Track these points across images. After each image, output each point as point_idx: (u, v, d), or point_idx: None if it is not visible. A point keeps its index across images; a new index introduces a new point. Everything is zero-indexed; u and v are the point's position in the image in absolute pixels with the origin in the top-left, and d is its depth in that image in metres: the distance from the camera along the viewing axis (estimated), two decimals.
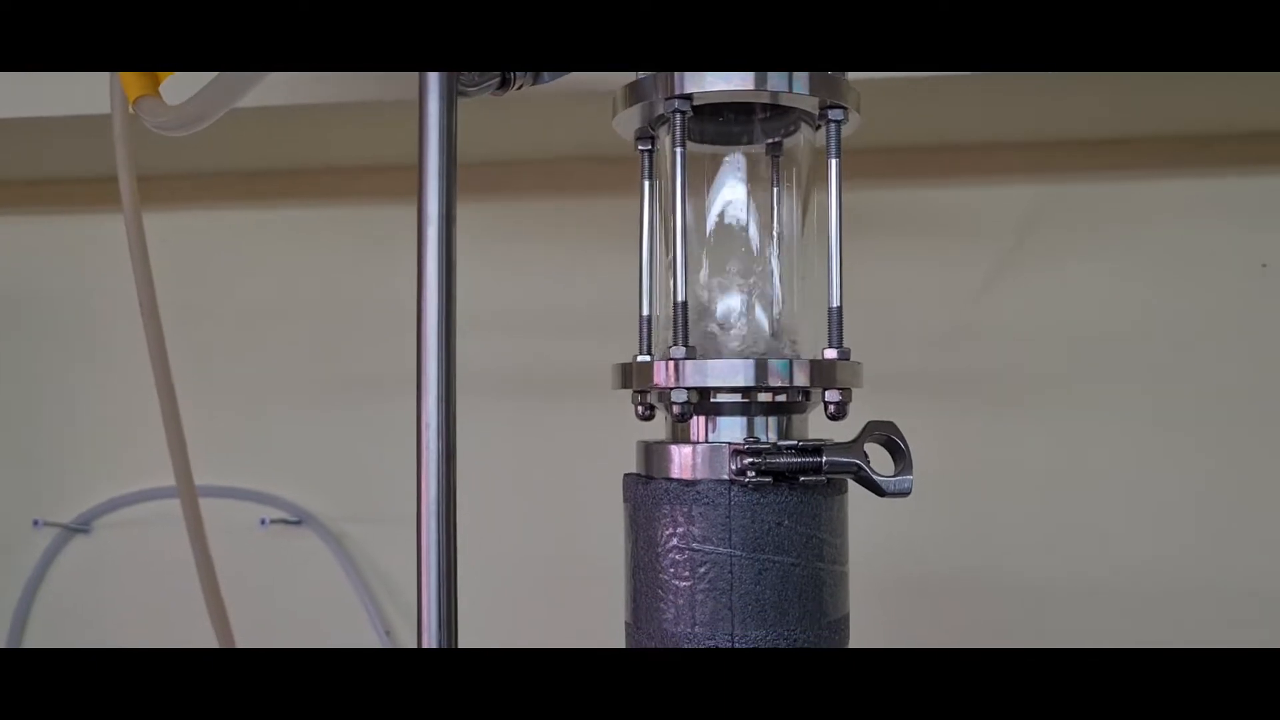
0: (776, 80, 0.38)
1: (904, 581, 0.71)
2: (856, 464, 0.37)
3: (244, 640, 0.63)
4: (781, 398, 0.39)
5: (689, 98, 0.38)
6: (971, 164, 0.73)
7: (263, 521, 0.80)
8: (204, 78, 0.45)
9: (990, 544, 0.72)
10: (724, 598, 0.37)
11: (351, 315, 0.80)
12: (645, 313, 0.43)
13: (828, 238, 0.39)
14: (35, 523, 0.83)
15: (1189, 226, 0.70)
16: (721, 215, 0.43)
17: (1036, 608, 0.71)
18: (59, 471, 0.84)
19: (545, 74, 0.39)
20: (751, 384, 0.38)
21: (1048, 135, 0.71)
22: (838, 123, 0.39)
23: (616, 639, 0.41)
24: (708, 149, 0.43)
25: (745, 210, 0.43)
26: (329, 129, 0.70)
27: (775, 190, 0.44)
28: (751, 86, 0.38)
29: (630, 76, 0.41)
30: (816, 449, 0.37)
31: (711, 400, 0.39)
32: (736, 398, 0.39)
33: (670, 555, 0.38)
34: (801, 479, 0.37)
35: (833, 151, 0.39)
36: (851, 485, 0.39)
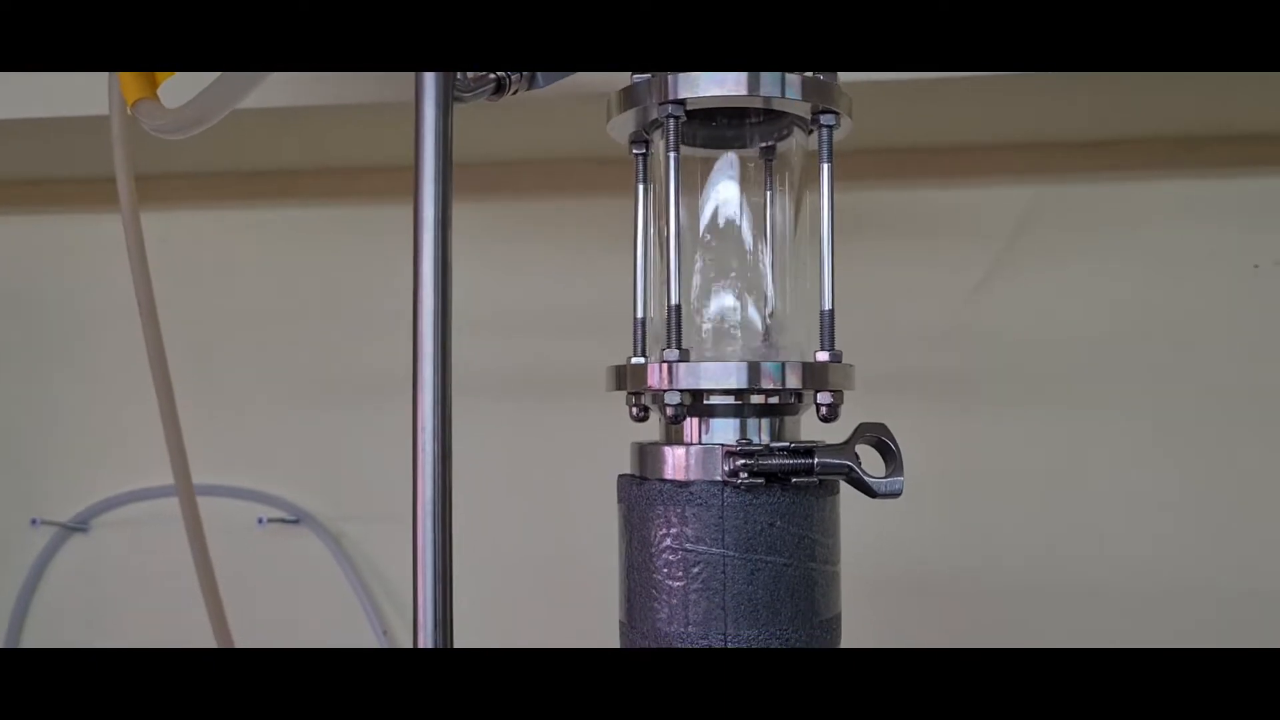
0: (769, 85, 0.39)
1: (897, 581, 0.72)
2: (848, 465, 0.37)
3: (241, 639, 0.63)
4: (774, 400, 0.39)
5: (682, 103, 0.39)
6: (967, 165, 0.73)
7: (260, 521, 0.80)
8: (202, 81, 0.45)
9: (986, 544, 0.72)
10: (717, 598, 0.38)
11: (349, 315, 0.80)
12: (639, 315, 0.43)
13: (820, 241, 0.39)
14: (33, 521, 0.83)
15: (1183, 227, 0.71)
16: (715, 218, 0.43)
17: (1033, 608, 0.71)
18: (57, 470, 0.84)
19: (540, 79, 0.39)
20: (744, 386, 0.38)
21: (1043, 136, 0.71)
22: (830, 127, 0.40)
23: (611, 638, 0.42)
24: (701, 152, 0.43)
25: (739, 213, 0.43)
26: (327, 130, 0.70)
27: (769, 193, 0.44)
28: (744, 91, 0.38)
29: (626, 78, 0.41)
30: (809, 450, 0.37)
31: (705, 402, 0.39)
32: (729, 400, 0.39)
33: (664, 555, 0.38)
34: (794, 480, 0.37)
35: (825, 156, 0.40)
36: (844, 486, 0.39)
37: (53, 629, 0.84)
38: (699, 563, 0.38)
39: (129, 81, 0.49)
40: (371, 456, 0.78)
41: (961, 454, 0.72)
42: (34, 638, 0.84)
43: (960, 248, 0.73)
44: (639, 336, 0.43)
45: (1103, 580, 0.70)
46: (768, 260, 0.43)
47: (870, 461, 0.38)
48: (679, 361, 0.38)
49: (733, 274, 0.43)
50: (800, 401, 0.40)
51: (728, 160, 0.43)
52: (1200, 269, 0.70)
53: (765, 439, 0.39)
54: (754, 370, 0.38)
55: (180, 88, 0.48)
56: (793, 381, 0.38)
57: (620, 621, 0.41)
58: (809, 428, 0.41)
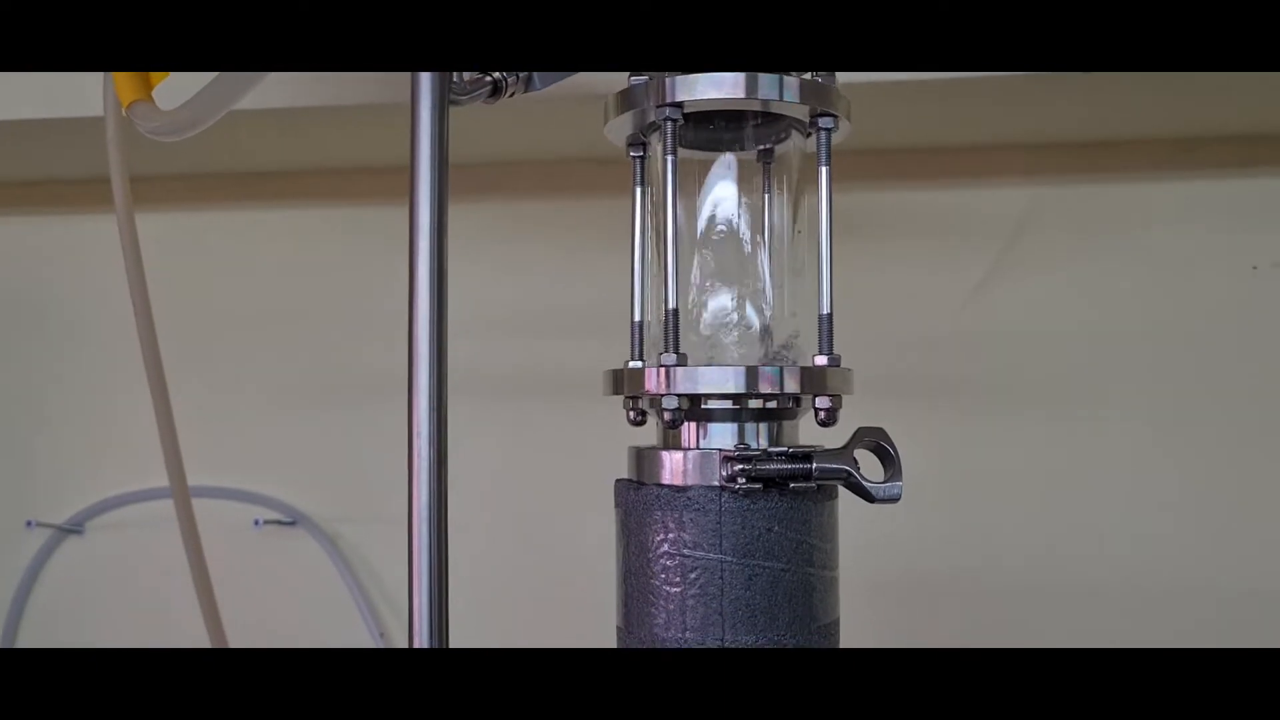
0: (767, 88, 0.38)
1: (896, 583, 0.71)
2: (846, 470, 0.37)
3: (237, 641, 0.63)
4: (772, 404, 0.39)
5: (680, 105, 0.39)
6: (966, 166, 0.73)
7: (256, 522, 0.80)
8: (196, 84, 0.45)
9: (986, 545, 0.72)
10: (714, 603, 0.37)
11: (346, 316, 0.80)
12: (637, 318, 0.43)
13: (818, 244, 0.39)
14: (28, 523, 0.83)
15: (1182, 229, 0.71)
16: (713, 221, 0.43)
17: (1032, 609, 0.71)
18: (52, 472, 0.84)
19: (537, 81, 0.39)
20: (742, 391, 0.38)
21: (1042, 138, 0.71)
22: (828, 131, 0.39)
23: (608, 643, 0.41)
24: (699, 155, 0.43)
25: (737, 216, 0.43)
26: (323, 130, 0.70)
27: (767, 196, 0.44)
28: (742, 95, 0.38)
29: (624, 80, 0.41)
30: (806, 455, 0.37)
31: (702, 406, 0.39)
32: (727, 404, 0.39)
33: (661, 561, 0.38)
34: (792, 485, 0.37)
35: (823, 159, 0.39)
36: (842, 490, 0.39)
37: (48, 631, 0.83)
38: (696, 568, 0.38)
39: (123, 84, 0.48)
40: (368, 458, 0.78)
41: (960, 456, 0.72)
42: (29, 640, 0.84)
43: (959, 249, 0.72)
44: (636, 340, 0.43)
45: (1102, 581, 0.70)
46: (766, 263, 0.43)
47: (869, 466, 0.38)
48: (676, 366, 0.38)
49: (731, 277, 0.43)
50: (798, 406, 0.40)
51: (725, 163, 0.43)
52: (1199, 270, 0.70)
53: (763, 443, 0.39)
54: (752, 375, 0.38)
55: (175, 90, 0.48)
56: (791, 386, 0.38)
57: (618, 627, 0.41)
58: (807, 432, 0.41)
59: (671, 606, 0.38)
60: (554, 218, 0.78)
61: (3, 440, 0.84)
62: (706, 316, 0.43)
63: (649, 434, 0.42)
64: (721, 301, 0.43)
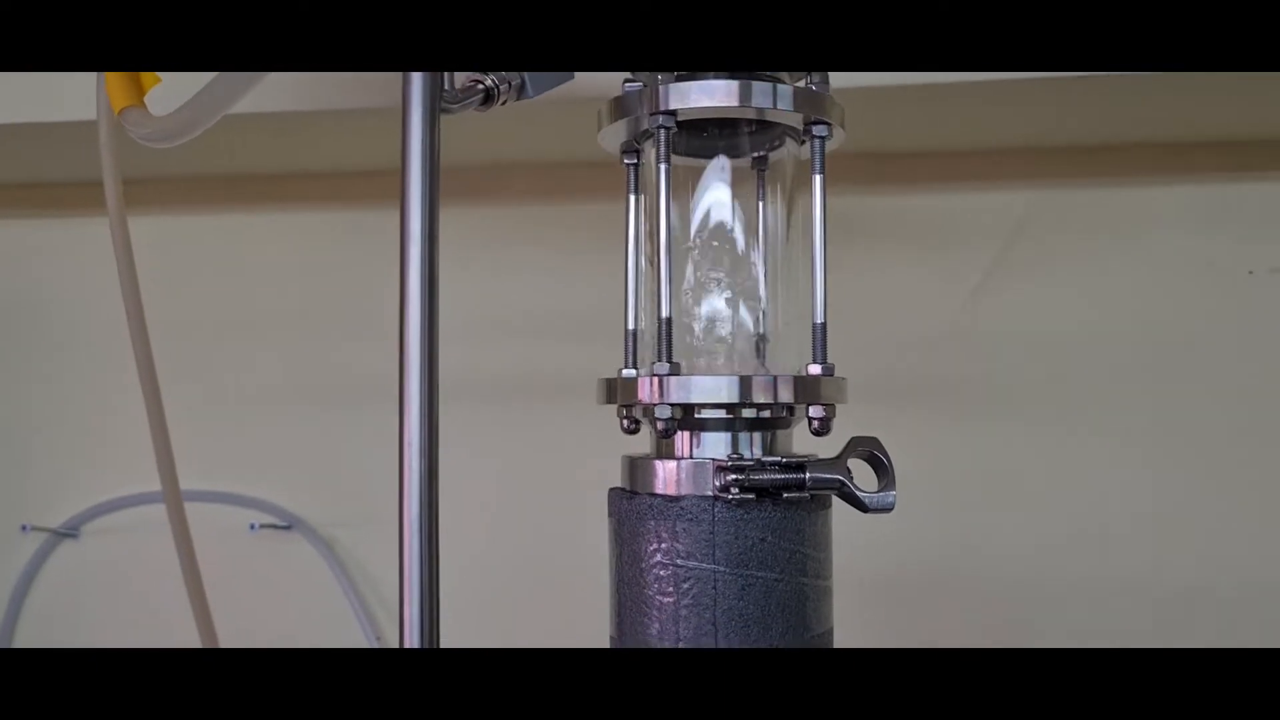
0: (760, 96, 0.38)
1: (893, 586, 0.71)
2: (839, 480, 0.37)
3: (233, 645, 0.63)
4: (765, 414, 0.39)
5: (673, 113, 0.38)
6: (962, 170, 0.73)
7: (252, 526, 0.79)
8: (189, 90, 0.45)
9: (983, 548, 0.72)
10: (707, 613, 0.37)
11: (342, 319, 0.80)
12: (630, 326, 0.43)
13: (812, 253, 0.39)
14: (23, 528, 0.83)
15: (1178, 233, 0.70)
16: (707, 228, 0.43)
17: (1031, 611, 0.71)
18: (47, 476, 0.84)
19: (529, 88, 0.39)
20: (735, 400, 0.38)
21: (1038, 142, 0.71)
22: (822, 138, 0.39)
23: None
24: (693, 162, 0.43)
25: (731, 223, 0.43)
26: (317, 133, 0.70)
27: (761, 204, 0.44)
28: (736, 102, 0.38)
29: (617, 87, 0.41)
30: (800, 465, 0.37)
31: (696, 416, 0.39)
32: (721, 413, 0.39)
33: (654, 571, 0.38)
34: (785, 495, 0.37)
35: (817, 167, 0.39)
36: (836, 500, 0.39)
37: (44, 635, 0.83)
38: (689, 578, 0.37)
39: (116, 89, 0.48)
40: (364, 462, 0.78)
41: (958, 458, 0.72)
42: (24, 644, 0.83)
43: (957, 253, 0.72)
44: (630, 348, 0.42)
45: (1100, 582, 0.70)
46: (760, 271, 0.43)
47: (862, 475, 0.38)
48: (670, 375, 0.38)
49: (725, 285, 0.43)
50: (792, 415, 0.40)
51: (719, 170, 0.43)
52: (1195, 275, 0.70)
53: (757, 453, 0.39)
54: (745, 384, 0.38)
55: (169, 95, 0.48)
56: (785, 395, 0.38)
57: (611, 636, 0.41)
58: (801, 440, 0.41)
59: (665, 616, 0.38)
60: (549, 220, 0.77)
61: None
62: (700, 324, 0.42)
63: (643, 442, 0.42)
64: (715, 309, 0.43)
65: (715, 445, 0.39)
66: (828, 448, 0.39)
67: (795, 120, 0.40)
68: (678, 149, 0.42)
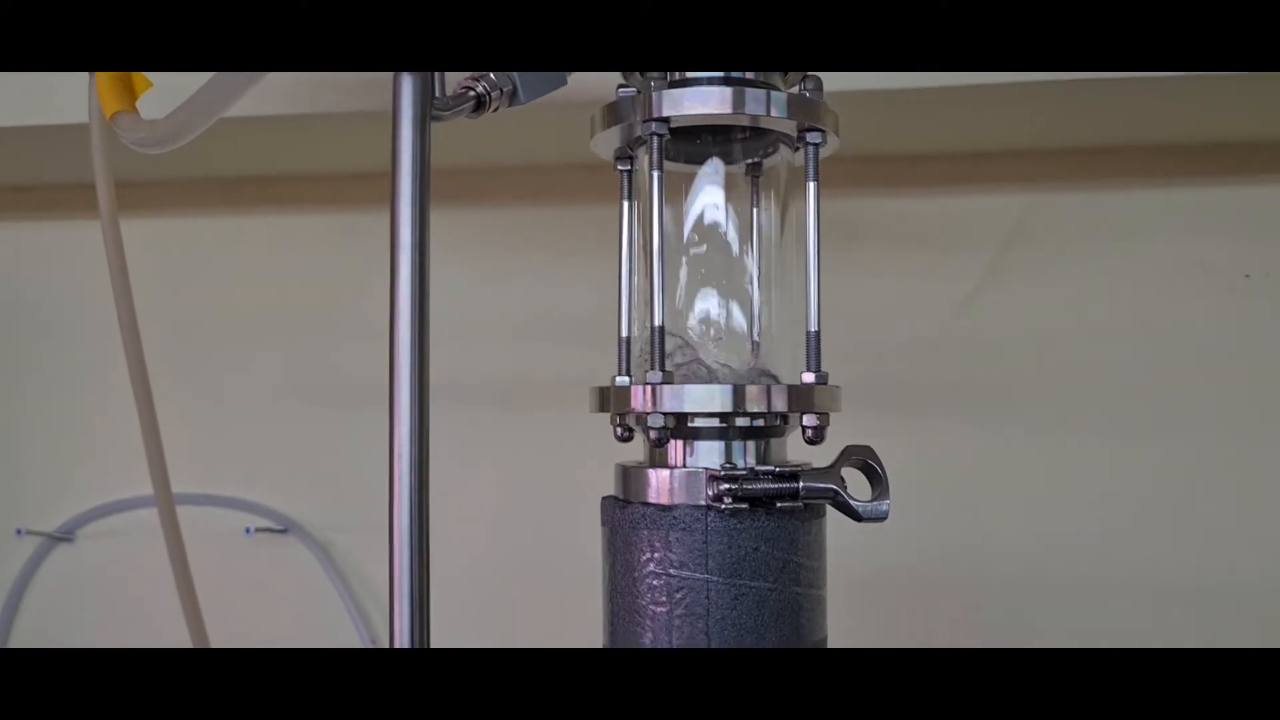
0: (754, 103, 0.38)
1: (890, 590, 0.71)
2: (833, 489, 0.37)
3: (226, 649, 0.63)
4: (759, 422, 0.39)
5: (666, 120, 0.38)
6: (958, 174, 0.73)
7: (248, 530, 0.79)
8: (180, 95, 0.45)
9: (982, 550, 0.72)
10: (700, 623, 0.37)
11: (338, 322, 0.79)
12: (624, 334, 0.42)
13: (805, 261, 0.39)
14: (18, 531, 0.82)
15: (1175, 237, 0.70)
16: (700, 235, 0.43)
17: (1030, 613, 0.71)
18: (42, 480, 0.83)
19: (521, 95, 0.39)
20: (729, 409, 0.38)
21: (1034, 145, 0.71)
22: (816, 145, 0.39)
23: None
24: (687, 169, 0.43)
25: (725, 230, 0.43)
26: (312, 136, 0.70)
27: (755, 210, 0.44)
28: (729, 110, 0.38)
29: (610, 93, 0.41)
30: (793, 474, 0.37)
31: (689, 425, 0.39)
32: (714, 422, 0.39)
33: (647, 580, 0.38)
34: (778, 504, 0.37)
35: (810, 174, 0.39)
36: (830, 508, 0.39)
37: (39, 639, 0.83)
38: (682, 588, 0.37)
39: (107, 94, 0.48)
40: (360, 465, 0.77)
41: (953, 462, 0.71)
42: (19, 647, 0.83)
43: (953, 256, 0.72)
44: (623, 356, 0.42)
45: (1100, 584, 0.70)
46: (754, 278, 0.43)
47: (856, 485, 0.38)
48: (662, 384, 0.38)
49: (719, 292, 0.42)
50: (786, 423, 0.40)
51: (712, 176, 0.43)
52: (1192, 278, 0.70)
53: (750, 461, 0.39)
54: (739, 393, 0.38)
55: (162, 100, 0.48)
56: (778, 404, 0.38)
57: (604, 645, 0.40)
58: (796, 448, 0.41)
59: (657, 626, 0.38)
60: (546, 223, 0.77)
61: None
62: (694, 331, 0.42)
63: (636, 450, 0.42)
64: (709, 316, 0.42)
65: (709, 454, 0.39)
66: (822, 455, 0.39)
67: (789, 127, 0.40)
68: (671, 155, 0.42)
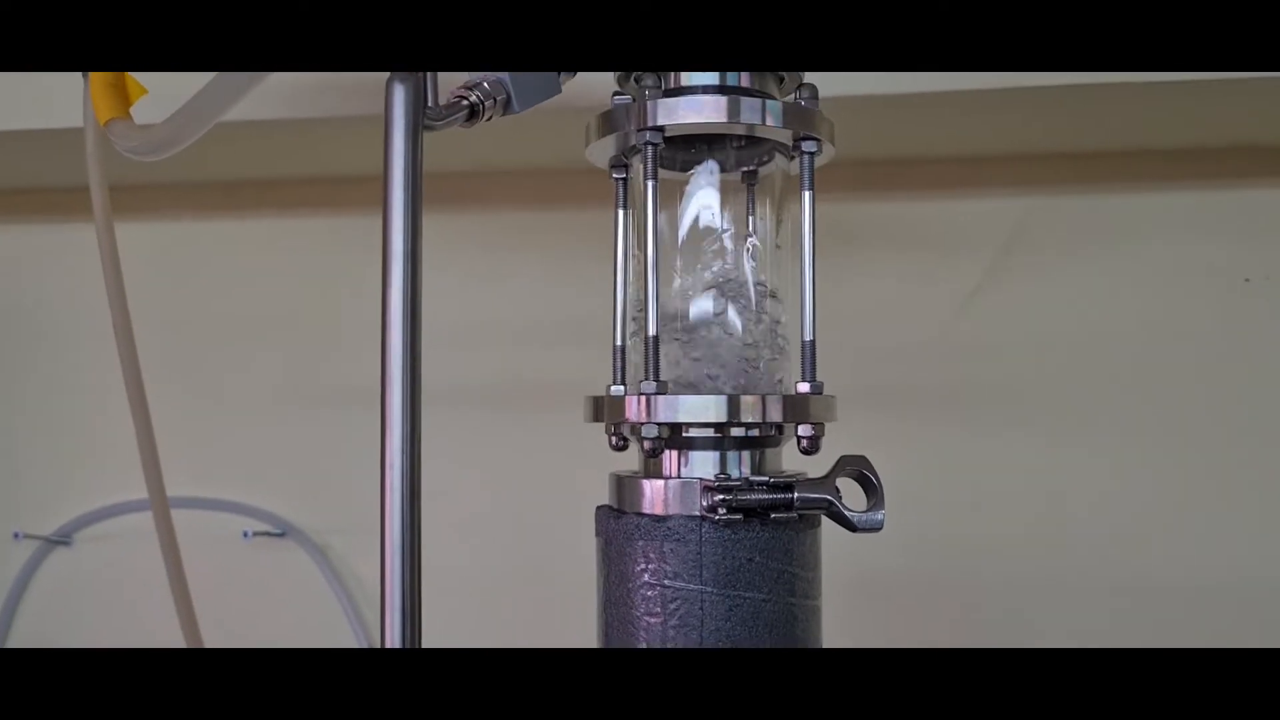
0: (749, 112, 0.38)
1: (890, 590, 0.71)
2: (828, 500, 0.37)
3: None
4: (754, 432, 0.39)
5: (661, 129, 0.38)
6: (958, 177, 0.72)
7: (245, 534, 0.79)
8: (174, 103, 0.45)
9: (983, 550, 0.72)
10: (694, 634, 0.37)
11: (335, 325, 0.79)
12: (619, 343, 0.42)
13: (800, 270, 0.39)
14: (15, 535, 0.82)
15: (1175, 240, 0.70)
16: (696, 242, 0.43)
17: (1029, 613, 0.71)
18: (39, 483, 0.83)
19: (515, 103, 0.38)
20: (723, 419, 0.38)
21: (1034, 149, 0.71)
22: (811, 154, 0.39)
23: None
24: (682, 176, 0.43)
25: (720, 238, 0.43)
26: (310, 140, 0.70)
27: (751, 218, 0.43)
28: (724, 118, 0.38)
29: (606, 100, 0.40)
30: (788, 485, 0.37)
31: (684, 435, 0.38)
32: (709, 432, 0.38)
33: (642, 591, 0.38)
34: (773, 515, 0.37)
35: (806, 184, 0.39)
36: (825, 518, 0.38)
37: (36, 643, 0.83)
38: (677, 599, 0.37)
39: (101, 100, 0.48)
40: (357, 469, 0.76)
41: (952, 465, 0.71)
42: None
43: (951, 261, 0.72)
44: (618, 365, 0.42)
45: (1100, 584, 0.70)
46: (750, 286, 0.43)
47: (851, 495, 0.38)
48: (657, 394, 0.38)
49: (713, 300, 0.42)
50: (781, 434, 0.39)
51: (708, 184, 0.42)
52: (1192, 282, 0.70)
53: (745, 471, 0.39)
54: (734, 403, 0.38)
55: (157, 107, 0.48)
56: (773, 414, 0.38)
57: None
58: (791, 458, 0.41)
59: (652, 637, 0.37)
60: (543, 227, 0.77)
61: None
62: (689, 339, 0.42)
63: (631, 459, 0.41)
64: (704, 323, 0.42)
65: (703, 464, 0.39)
66: (817, 465, 0.39)
67: (784, 136, 0.39)
68: (667, 163, 0.42)
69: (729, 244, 0.42)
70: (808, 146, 0.39)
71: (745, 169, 0.43)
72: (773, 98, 0.40)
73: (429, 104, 0.36)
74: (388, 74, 0.35)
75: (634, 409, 0.38)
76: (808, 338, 0.39)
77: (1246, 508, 0.69)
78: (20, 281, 0.84)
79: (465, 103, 0.37)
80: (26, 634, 0.83)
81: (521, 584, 0.76)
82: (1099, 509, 0.70)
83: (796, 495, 0.37)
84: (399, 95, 0.35)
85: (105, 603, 0.82)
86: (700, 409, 0.38)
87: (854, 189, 0.71)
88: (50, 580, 0.83)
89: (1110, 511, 0.70)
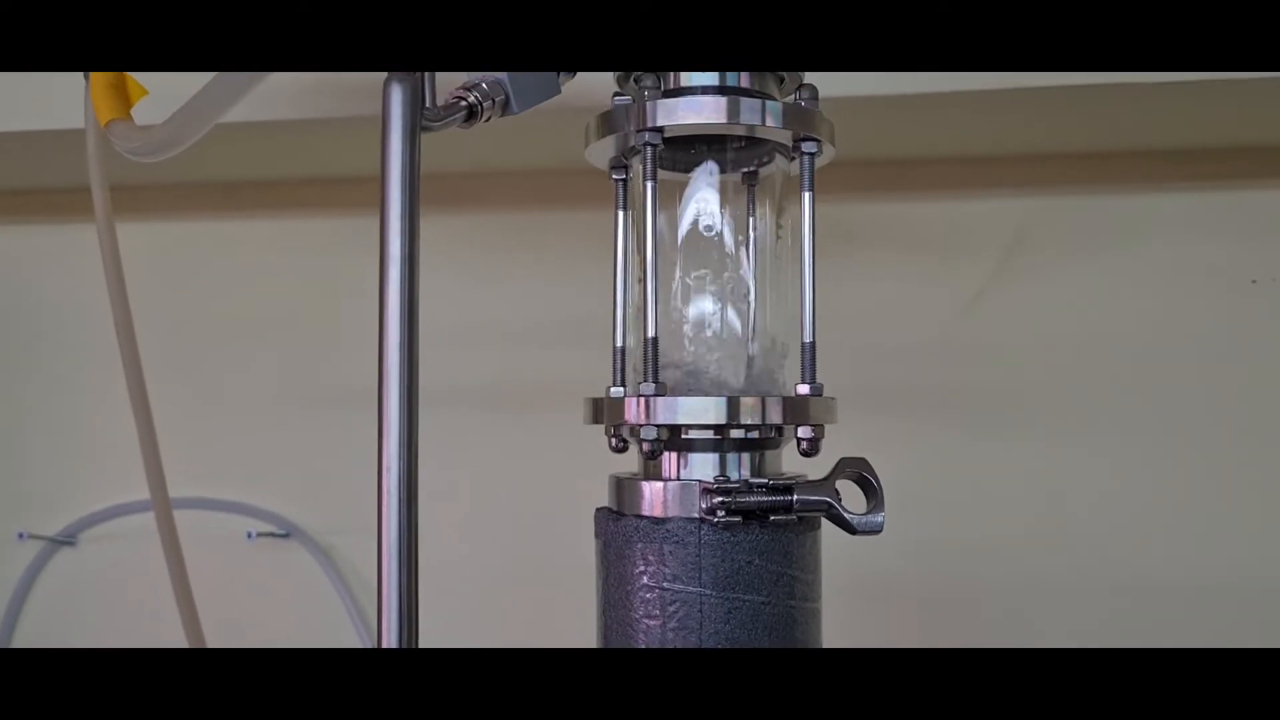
0: (749, 113, 0.38)
1: (890, 590, 0.71)
2: (827, 502, 0.37)
3: None
4: (754, 434, 0.39)
5: (660, 130, 0.38)
6: (961, 178, 0.72)
7: (250, 534, 0.79)
8: (175, 104, 0.45)
9: (984, 551, 0.71)
10: (694, 637, 0.37)
11: (336, 325, 0.79)
12: (619, 344, 0.42)
13: (801, 272, 0.39)
14: (20, 535, 0.82)
15: (1180, 241, 0.70)
16: (696, 243, 0.43)
17: (1030, 613, 0.71)
18: (44, 484, 0.83)
19: (514, 104, 0.38)
20: (723, 421, 0.37)
21: (1038, 150, 0.70)
22: (811, 155, 0.39)
23: None
24: (682, 177, 0.42)
25: (720, 239, 0.42)
26: (310, 141, 0.70)
27: (751, 219, 0.43)
28: (724, 119, 0.38)
29: (605, 100, 0.40)
30: (787, 487, 0.37)
31: (683, 437, 0.38)
32: (708, 434, 0.38)
33: (641, 594, 0.38)
34: (772, 517, 0.37)
35: (806, 185, 0.39)
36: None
37: (41, 643, 0.83)
38: (676, 601, 0.37)
39: (102, 101, 0.48)
40: (361, 470, 0.76)
41: (955, 466, 0.71)
42: None
43: (954, 261, 0.72)
44: (618, 366, 0.42)
45: (1101, 585, 0.70)
46: (750, 287, 0.43)
47: (851, 497, 0.38)
48: (656, 396, 0.37)
49: (713, 301, 0.42)
50: (781, 435, 0.39)
51: (708, 185, 0.42)
52: (1197, 283, 0.69)
53: (745, 474, 0.39)
54: (733, 405, 0.37)
55: (157, 108, 0.48)
56: (773, 416, 0.38)
57: None
58: (791, 460, 0.40)
59: (651, 639, 0.37)
60: (542, 227, 0.77)
61: None
62: (688, 341, 0.42)
63: (630, 460, 0.41)
64: (704, 324, 0.42)
65: (703, 466, 0.39)
66: (817, 467, 0.39)
67: (784, 137, 0.39)
68: (666, 164, 0.41)
69: (729, 245, 0.42)
70: (808, 147, 0.39)
71: (745, 170, 0.43)
72: (773, 98, 0.40)
73: (427, 105, 0.35)
74: (385, 74, 0.35)
75: (633, 410, 0.38)
76: (808, 339, 0.39)
77: (1246, 508, 0.69)
78: (21, 282, 0.84)
79: (464, 103, 0.37)
80: (31, 634, 0.83)
81: (522, 585, 0.76)
82: (1099, 509, 0.70)
83: (796, 497, 0.36)
84: (396, 96, 0.35)
85: (110, 603, 0.82)
86: (699, 411, 0.37)
87: (855, 189, 0.71)
88: (55, 581, 0.83)
89: (1110, 511, 0.70)
